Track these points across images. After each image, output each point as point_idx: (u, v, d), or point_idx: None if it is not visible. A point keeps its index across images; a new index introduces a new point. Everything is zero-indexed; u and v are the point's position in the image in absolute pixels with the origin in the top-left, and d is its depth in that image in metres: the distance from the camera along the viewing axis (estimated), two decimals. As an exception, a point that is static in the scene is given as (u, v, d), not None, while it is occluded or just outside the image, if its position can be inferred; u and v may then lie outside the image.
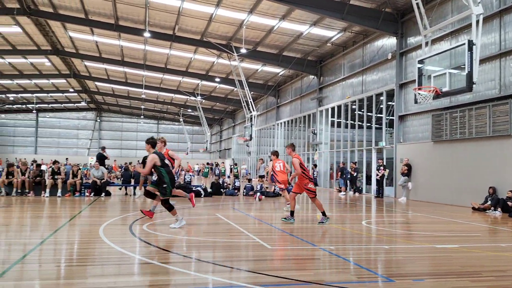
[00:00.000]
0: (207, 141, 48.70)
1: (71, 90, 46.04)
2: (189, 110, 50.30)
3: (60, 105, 55.51)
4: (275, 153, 12.17)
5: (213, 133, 59.69)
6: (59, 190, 15.28)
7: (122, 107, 56.16)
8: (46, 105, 54.38)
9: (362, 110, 22.53)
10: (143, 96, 45.04)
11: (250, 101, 27.66)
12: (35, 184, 15.52)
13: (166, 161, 8.37)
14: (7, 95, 46.51)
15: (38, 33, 27.64)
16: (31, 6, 23.22)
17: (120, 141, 60.17)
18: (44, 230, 8.12)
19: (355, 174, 20.79)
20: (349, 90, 23.96)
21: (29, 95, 47.35)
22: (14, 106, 53.69)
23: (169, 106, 51.97)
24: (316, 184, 18.98)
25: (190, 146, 54.28)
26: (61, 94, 48.99)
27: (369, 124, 22.32)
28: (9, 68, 35.87)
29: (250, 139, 29.51)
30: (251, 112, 28.07)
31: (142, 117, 59.60)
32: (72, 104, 55.78)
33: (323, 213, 9.46)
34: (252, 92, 29.35)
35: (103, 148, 18.39)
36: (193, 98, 41.48)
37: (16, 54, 31.56)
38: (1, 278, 4.53)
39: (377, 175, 19.02)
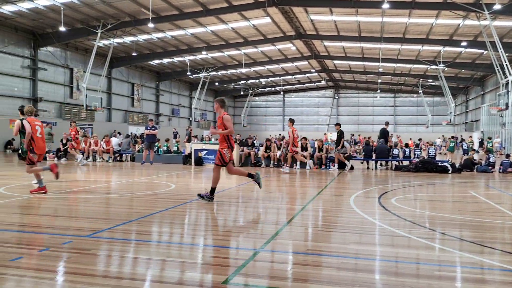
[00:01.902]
0: (450, 112, 44.50)
1: (312, 70, 49.38)
2: (429, 80, 47.02)
3: (302, 85, 60.49)
4: None
5: (457, 104, 54.32)
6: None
7: (358, 82, 56.93)
8: (291, 86, 60.17)
9: None
10: (379, 69, 44.48)
11: (506, 64, 23.85)
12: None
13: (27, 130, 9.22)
14: (260, 80, 53.42)
15: (284, 21, 30.55)
16: (277, -4, 25.85)
17: (357, 117, 61.44)
18: (301, 198, 9.10)
19: None
20: None
21: (277, 78, 53.18)
22: (265, 89, 61.41)
23: (406, 78, 49.77)
24: None
25: (430, 119, 50.86)
26: (303, 75, 53.33)
27: None
28: (261, 56, 41.03)
29: (506, 109, 25.57)
30: (507, 77, 24.22)
31: (378, 91, 59.05)
32: (313, 84, 59.93)
33: (212, 190, 7.71)
34: (507, 54, 25.16)
35: (387, 123, 18.09)
36: (434, 66, 38.52)
37: (266, 43, 35.79)
38: (276, 237, 5.35)
39: None
